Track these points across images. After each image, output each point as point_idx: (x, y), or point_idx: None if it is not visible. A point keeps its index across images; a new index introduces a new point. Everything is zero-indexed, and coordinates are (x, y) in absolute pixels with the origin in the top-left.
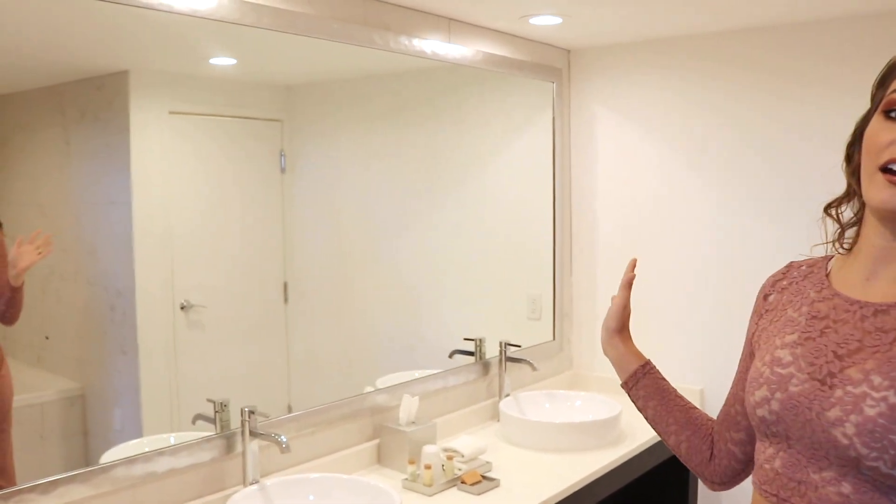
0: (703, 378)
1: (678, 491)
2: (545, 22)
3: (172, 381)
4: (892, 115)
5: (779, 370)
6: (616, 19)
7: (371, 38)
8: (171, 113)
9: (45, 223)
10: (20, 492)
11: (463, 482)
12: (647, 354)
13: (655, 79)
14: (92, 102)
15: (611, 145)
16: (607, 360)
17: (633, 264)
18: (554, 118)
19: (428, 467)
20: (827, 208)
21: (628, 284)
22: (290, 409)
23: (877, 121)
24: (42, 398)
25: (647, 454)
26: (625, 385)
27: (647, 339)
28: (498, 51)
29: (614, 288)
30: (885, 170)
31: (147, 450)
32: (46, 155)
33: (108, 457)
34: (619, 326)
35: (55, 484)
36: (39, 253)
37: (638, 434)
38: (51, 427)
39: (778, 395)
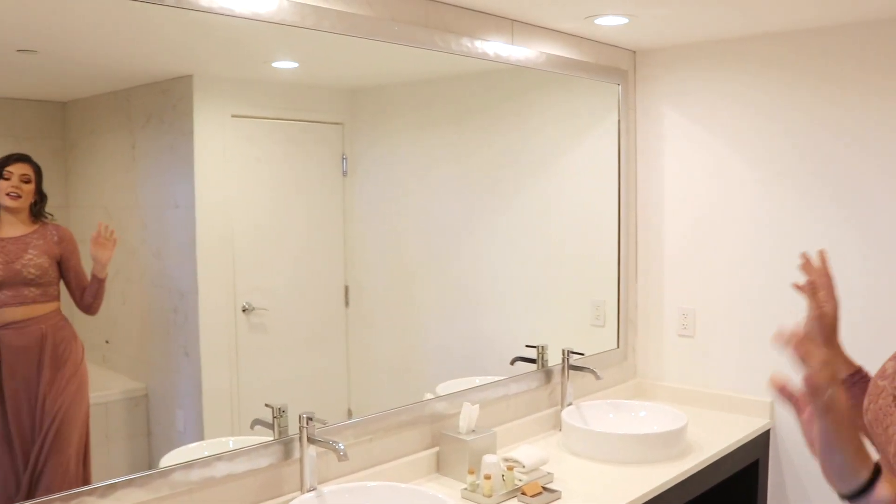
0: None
1: None
2: (610, 22)
3: (234, 383)
4: None
5: (879, 381)
6: (683, 19)
7: (433, 40)
8: (233, 116)
9: (110, 225)
10: (80, 494)
11: (523, 493)
12: (717, 364)
13: (724, 80)
14: (157, 106)
15: (678, 148)
16: (673, 369)
17: (822, 257)
18: (619, 120)
19: (487, 477)
20: None
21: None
22: (349, 414)
23: None
24: (107, 397)
25: (714, 467)
26: None
27: (716, 348)
28: (562, 52)
29: (681, 295)
30: None
31: (207, 454)
32: (113, 158)
33: (167, 460)
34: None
35: (114, 487)
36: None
37: (705, 446)
38: (115, 427)
39: (871, 405)
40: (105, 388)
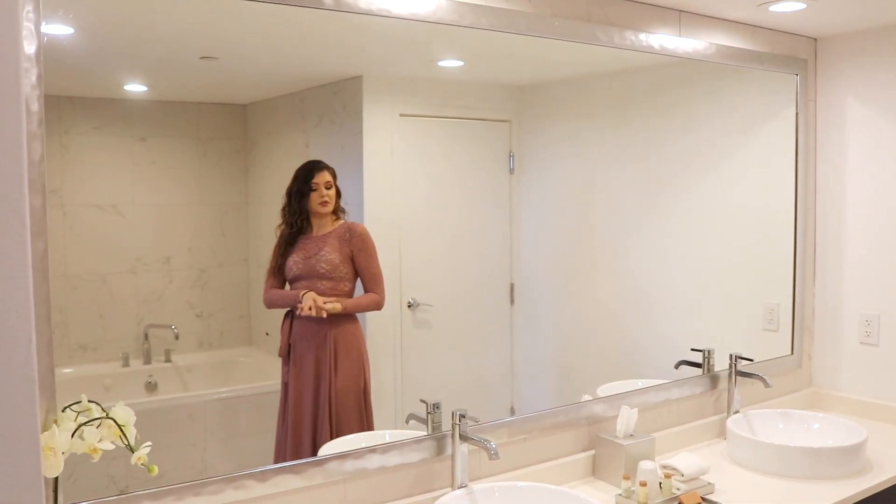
0: None
1: None
2: (786, 8)
3: (397, 377)
4: None
5: None
6: (869, 1)
7: (594, 34)
8: (401, 115)
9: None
10: (240, 477)
11: (681, 503)
12: None
13: None
14: (328, 107)
15: (864, 143)
16: (853, 379)
17: None
18: (797, 114)
19: (643, 484)
20: None
21: None
22: (512, 412)
23: None
24: (274, 387)
25: None
26: None
27: None
28: (733, 42)
29: (863, 300)
30: None
31: (363, 445)
32: (288, 157)
33: (325, 449)
34: None
35: (271, 473)
36: None
37: (886, 465)
38: None
39: None
40: (270, 377)
